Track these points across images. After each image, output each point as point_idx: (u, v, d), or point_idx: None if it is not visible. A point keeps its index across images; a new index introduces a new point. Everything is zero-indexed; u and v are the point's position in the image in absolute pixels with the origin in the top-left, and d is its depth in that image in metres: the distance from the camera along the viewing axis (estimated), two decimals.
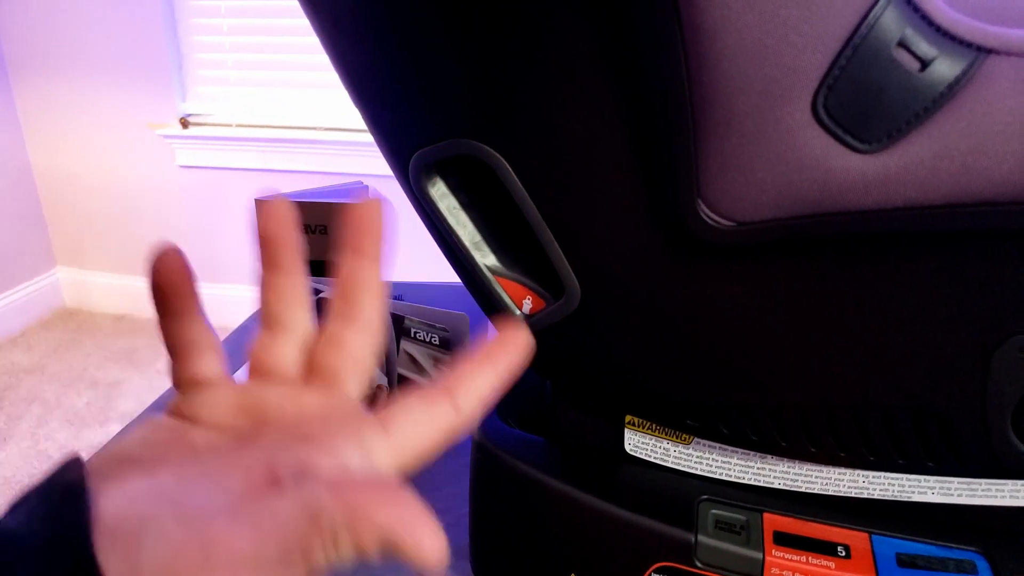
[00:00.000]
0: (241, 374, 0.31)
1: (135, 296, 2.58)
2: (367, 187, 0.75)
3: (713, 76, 0.29)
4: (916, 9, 0.28)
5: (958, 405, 0.35)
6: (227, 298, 2.32)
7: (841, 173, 0.29)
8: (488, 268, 0.41)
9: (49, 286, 2.55)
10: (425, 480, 0.60)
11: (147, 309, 2.41)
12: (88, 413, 2.06)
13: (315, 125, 2.10)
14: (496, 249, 0.41)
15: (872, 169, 0.29)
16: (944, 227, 0.30)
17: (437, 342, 0.63)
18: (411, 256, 1.47)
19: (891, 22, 0.27)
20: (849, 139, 0.29)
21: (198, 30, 2.20)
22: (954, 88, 0.28)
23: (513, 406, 0.51)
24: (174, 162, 2.35)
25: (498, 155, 0.36)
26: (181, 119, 2.31)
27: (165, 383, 2.13)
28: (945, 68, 0.28)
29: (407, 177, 0.40)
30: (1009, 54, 0.27)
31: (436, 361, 0.64)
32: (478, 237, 0.40)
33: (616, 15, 0.30)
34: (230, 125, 2.24)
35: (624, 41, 0.30)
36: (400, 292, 0.70)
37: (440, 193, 0.40)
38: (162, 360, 2.21)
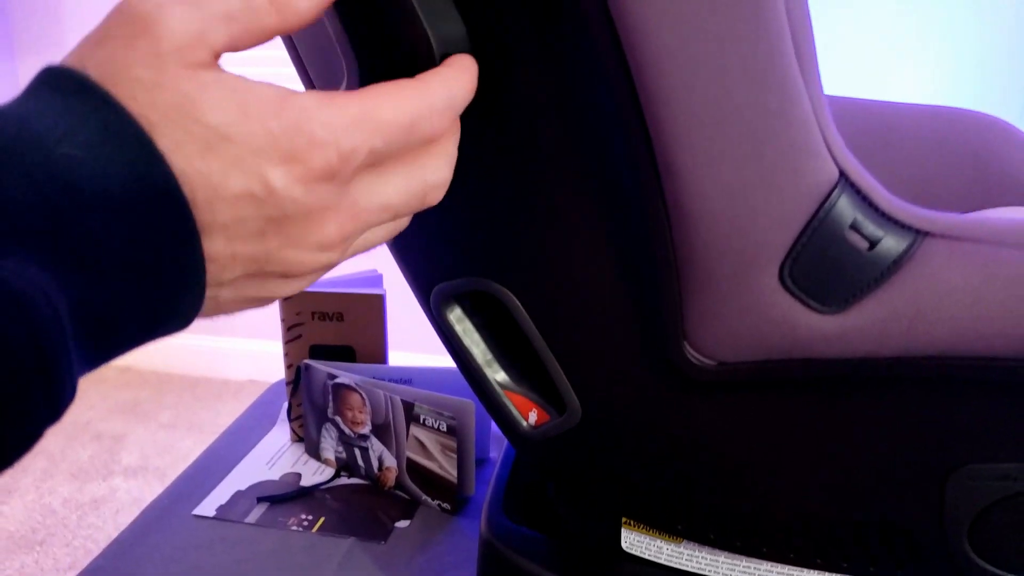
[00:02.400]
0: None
1: (140, 348, 2.61)
2: (380, 275, 0.80)
3: (694, 246, 0.34)
4: (864, 198, 0.33)
5: (920, 523, 0.39)
6: (234, 352, 2.35)
7: (805, 329, 0.34)
8: (498, 383, 0.45)
9: None
10: (433, 570, 0.64)
11: (151, 361, 2.45)
12: (91, 467, 2.08)
13: None
14: (506, 367, 0.45)
15: (832, 327, 0.34)
16: (897, 375, 0.35)
17: (445, 429, 0.67)
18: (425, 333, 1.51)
19: (844, 208, 0.32)
20: (811, 302, 0.34)
21: None
22: (898, 264, 0.33)
23: (517, 502, 0.55)
24: None
25: (508, 292, 0.41)
26: None
27: (168, 436, 2.16)
28: (890, 247, 0.33)
29: (428, 303, 0.44)
30: (943, 236, 0.33)
31: (443, 447, 0.68)
32: (490, 356, 0.45)
33: (612, 191, 0.35)
34: None
35: (619, 209, 0.35)
36: (411, 376, 0.74)
37: (457, 317, 0.44)
38: (165, 413, 2.24)
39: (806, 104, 0.31)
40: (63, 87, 0.22)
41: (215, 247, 0.24)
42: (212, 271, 0.24)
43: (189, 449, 2.13)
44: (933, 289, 0.32)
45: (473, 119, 0.32)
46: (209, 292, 0.25)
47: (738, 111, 0.30)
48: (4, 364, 0.19)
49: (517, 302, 0.41)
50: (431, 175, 0.29)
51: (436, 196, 0.30)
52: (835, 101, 0.71)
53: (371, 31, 0.32)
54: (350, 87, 0.35)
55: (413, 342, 1.68)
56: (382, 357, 0.77)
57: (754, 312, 0.34)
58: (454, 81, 0.29)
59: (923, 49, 1.46)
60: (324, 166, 0.24)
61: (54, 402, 0.22)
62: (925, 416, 0.37)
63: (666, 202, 0.33)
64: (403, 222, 0.32)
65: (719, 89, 0.30)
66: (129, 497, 1.92)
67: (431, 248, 0.42)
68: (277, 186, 0.24)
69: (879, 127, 0.69)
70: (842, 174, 0.33)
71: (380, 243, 0.31)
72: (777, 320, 0.34)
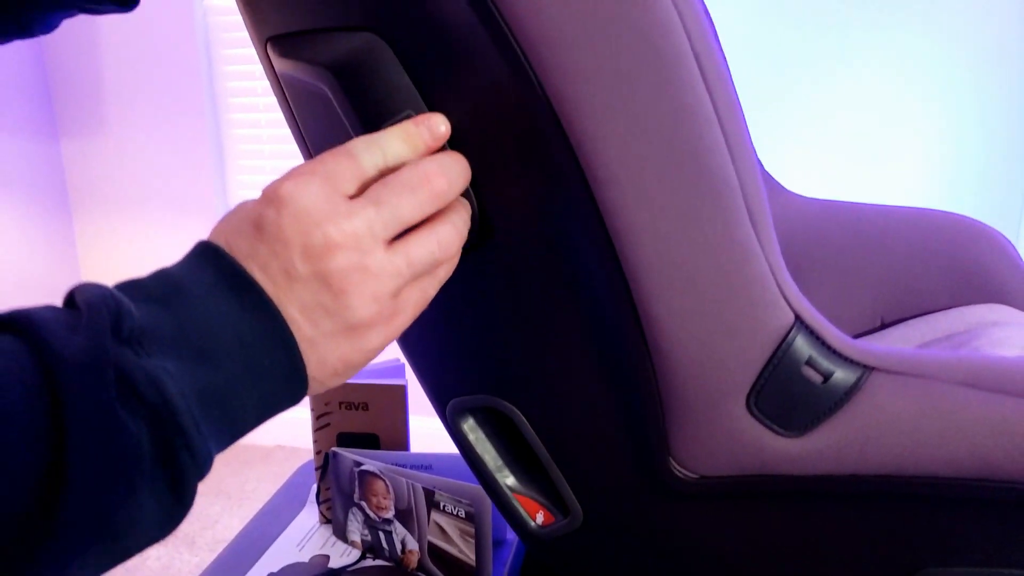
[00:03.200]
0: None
1: None
2: (403, 365, 0.86)
3: (673, 381, 0.39)
4: (817, 337, 0.38)
5: None
6: None
7: (771, 451, 0.39)
8: (508, 486, 0.50)
9: None
10: None
11: None
12: None
13: None
14: (514, 472, 0.51)
15: (794, 449, 0.39)
16: (856, 491, 0.39)
17: (463, 515, 0.72)
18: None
19: (800, 347, 0.38)
20: (775, 428, 0.39)
21: (244, 171, 2.40)
22: (849, 395, 0.38)
23: None
24: None
25: (515, 409, 0.46)
26: None
27: (197, 502, 2.20)
28: (841, 380, 0.38)
29: (444, 414, 0.50)
30: (887, 371, 0.38)
31: (462, 532, 0.72)
32: (500, 462, 0.50)
33: (602, 330, 0.40)
34: None
35: (608, 346, 0.41)
36: (431, 463, 0.79)
37: (470, 427, 0.50)
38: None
39: (761, 262, 0.37)
40: (211, 261, 0.31)
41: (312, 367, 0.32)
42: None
43: (218, 515, 2.17)
44: (878, 418, 0.37)
45: (478, 263, 0.38)
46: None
47: (702, 272, 0.36)
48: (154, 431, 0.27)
49: (523, 417, 0.46)
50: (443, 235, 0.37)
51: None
52: (833, 205, 0.77)
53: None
54: None
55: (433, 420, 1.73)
56: (404, 444, 0.83)
57: (727, 435, 0.39)
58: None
59: (924, 151, 1.51)
60: (392, 289, 0.34)
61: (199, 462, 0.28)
62: (884, 525, 0.41)
63: (647, 345, 0.38)
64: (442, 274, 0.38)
65: (686, 256, 0.36)
66: (159, 564, 1.96)
67: (447, 368, 0.48)
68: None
69: (872, 230, 0.74)
70: (797, 317, 0.38)
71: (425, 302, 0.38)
72: (747, 442, 0.39)
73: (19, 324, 0.26)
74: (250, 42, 0.36)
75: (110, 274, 2.49)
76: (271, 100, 2.20)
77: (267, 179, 2.31)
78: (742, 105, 0.45)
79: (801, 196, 0.76)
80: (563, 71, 0.33)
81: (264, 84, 2.22)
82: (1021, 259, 0.71)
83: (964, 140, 1.47)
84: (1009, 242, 0.71)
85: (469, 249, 0.39)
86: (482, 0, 0.33)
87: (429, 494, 0.74)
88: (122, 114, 2.41)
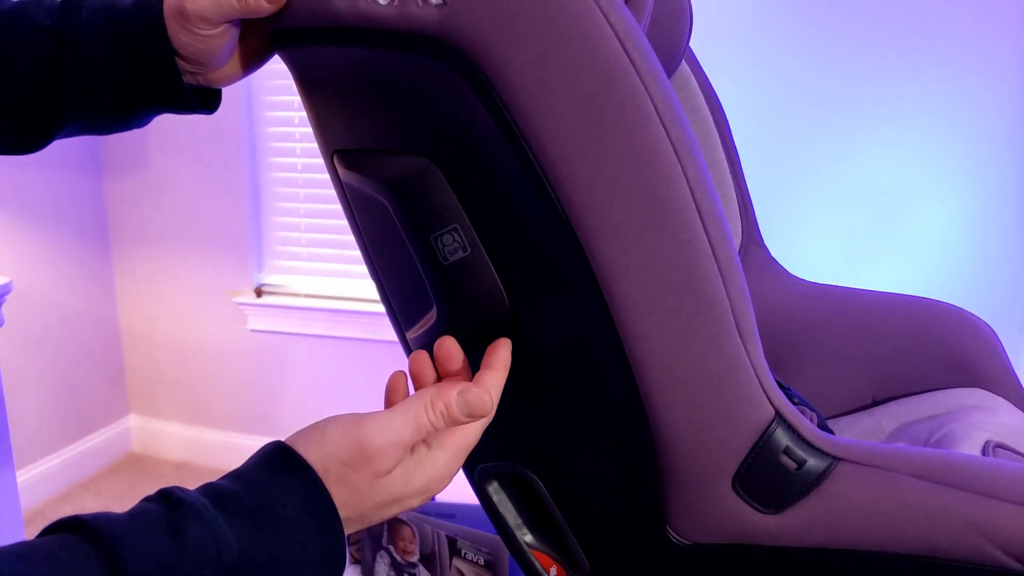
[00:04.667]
0: None
1: (197, 445, 2.77)
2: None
3: (670, 462, 0.46)
4: (794, 430, 0.45)
5: None
6: None
7: (753, 524, 0.46)
8: (526, 542, 0.57)
9: (121, 432, 2.75)
10: None
11: (206, 458, 2.60)
12: None
13: (375, 298, 2.33)
14: (532, 530, 0.57)
15: (773, 524, 0.45)
16: (826, 562, 0.46)
17: (482, 563, 0.78)
18: None
19: (779, 438, 0.45)
20: (757, 505, 0.45)
21: (278, 212, 2.51)
22: (819, 481, 0.44)
23: None
24: (246, 326, 2.60)
25: (534, 476, 0.53)
26: (256, 288, 2.57)
27: None
28: (813, 468, 0.44)
29: (472, 476, 0.57)
30: (852, 461, 0.44)
31: None
32: (519, 520, 0.57)
33: (613, 415, 0.48)
34: (299, 295, 2.49)
35: (617, 428, 0.48)
36: (454, 512, 0.86)
37: (494, 489, 0.57)
38: None
39: (747, 366, 0.44)
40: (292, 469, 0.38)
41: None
42: None
43: None
44: (842, 501, 0.44)
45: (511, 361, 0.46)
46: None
47: (696, 374, 0.43)
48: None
49: (540, 484, 0.53)
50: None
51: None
52: (832, 289, 0.84)
53: (462, 290, 0.47)
54: (437, 322, 0.49)
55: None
56: None
57: (715, 509, 0.46)
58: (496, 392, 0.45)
59: (932, 229, 1.58)
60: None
61: None
62: None
63: (650, 431, 0.46)
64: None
65: (684, 360, 0.43)
66: None
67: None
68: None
69: (866, 314, 0.81)
70: (777, 413, 0.45)
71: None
72: (732, 516, 0.46)
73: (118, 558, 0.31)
74: (291, 90, 0.43)
75: (144, 307, 2.60)
76: (307, 146, 2.31)
77: (301, 222, 2.42)
78: (750, 193, 0.52)
79: (804, 281, 0.83)
80: (588, 210, 0.41)
81: (301, 131, 2.33)
82: (1003, 347, 0.77)
83: (974, 218, 1.53)
84: (992, 331, 0.78)
85: None
86: (519, 145, 0.41)
87: (452, 542, 0.80)
88: (164, 156, 2.54)
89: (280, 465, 0.38)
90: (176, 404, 2.74)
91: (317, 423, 0.41)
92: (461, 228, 0.46)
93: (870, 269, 1.58)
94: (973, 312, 0.79)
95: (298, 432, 0.40)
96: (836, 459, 0.44)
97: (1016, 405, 0.72)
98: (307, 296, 2.50)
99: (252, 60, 0.51)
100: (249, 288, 2.60)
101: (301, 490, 0.37)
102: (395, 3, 0.42)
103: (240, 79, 0.51)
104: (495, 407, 0.43)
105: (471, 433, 0.43)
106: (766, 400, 0.45)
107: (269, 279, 2.57)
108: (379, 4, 0.42)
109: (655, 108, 0.40)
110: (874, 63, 1.54)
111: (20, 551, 0.30)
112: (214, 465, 2.59)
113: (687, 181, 0.41)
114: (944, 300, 1.35)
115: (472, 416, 0.42)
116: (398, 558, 0.87)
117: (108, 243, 2.60)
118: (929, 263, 1.55)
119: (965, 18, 1.45)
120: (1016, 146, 1.47)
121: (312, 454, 0.39)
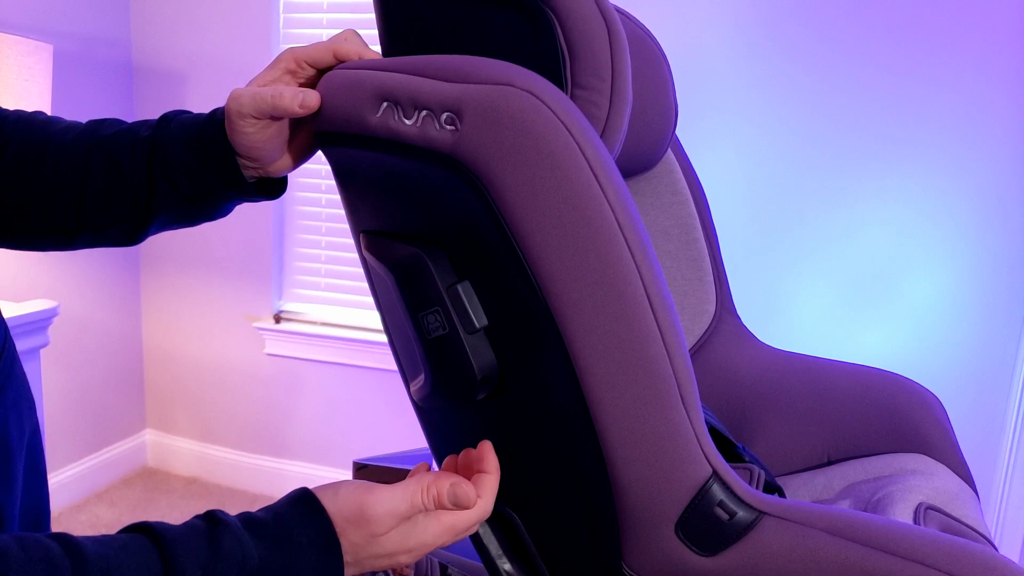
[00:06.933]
0: None
1: (208, 462, 2.86)
2: (431, 458, 1.02)
3: (625, 508, 0.55)
4: (727, 486, 0.54)
5: None
6: (290, 473, 2.57)
7: (691, 564, 0.55)
8: (505, 571, 0.66)
9: (137, 446, 2.86)
10: None
11: (216, 475, 2.69)
12: None
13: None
14: (511, 559, 0.66)
15: (710, 564, 0.54)
16: None
17: None
18: None
19: (714, 493, 0.54)
20: (695, 549, 0.54)
21: (300, 244, 2.63)
22: (747, 531, 0.53)
23: None
24: (263, 350, 2.71)
25: (514, 514, 0.62)
26: (275, 314, 2.68)
27: None
28: (742, 519, 0.53)
29: None
30: (774, 516, 0.53)
31: None
32: (500, 551, 0.66)
33: (578, 466, 0.57)
34: (316, 323, 2.60)
35: (582, 479, 0.57)
36: None
37: (480, 524, 0.66)
38: None
39: (689, 431, 0.53)
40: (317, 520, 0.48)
41: None
42: None
43: None
44: (764, 550, 0.53)
45: (496, 407, 0.55)
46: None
47: (646, 436, 0.53)
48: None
49: (519, 520, 0.62)
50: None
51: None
52: (795, 357, 0.93)
53: (442, 362, 0.57)
54: (426, 382, 0.59)
55: None
56: None
57: (660, 551, 0.55)
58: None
59: (918, 298, 1.66)
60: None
61: None
62: None
63: (609, 481, 0.55)
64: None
65: (637, 424, 0.52)
66: None
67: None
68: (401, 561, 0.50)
69: (825, 381, 0.90)
70: (713, 471, 0.54)
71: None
72: (674, 557, 0.55)
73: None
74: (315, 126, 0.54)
75: (168, 328, 2.71)
76: (330, 182, 2.43)
77: (321, 253, 2.54)
78: (724, 262, 0.61)
79: (770, 347, 0.92)
80: (561, 297, 0.51)
81: (325, 168, 2.46)
82: (947, 417, 0.86)
83: (962, 287, 1.60)
84: (938, 402, 0.86)
85: (487, 399, 0.56)
86: (510, 243, 0.51)
87: (443, 568, 0.89)
88: None
89: (302, 504, 0.48)
90: (191, 422, 2.85)
91: (336, 482, 0.51)
92: (442, 311, 0.56)
93: (860, 333, 1.66)
94: (966, 376, 0.87)
95: (321, 485, 0.51)
96: (762, 513, 0.53)
97: (955, 471, 0.80)
98: (323, 324, 2.62)
99: (302, 154, 0.62)
100: (268, 314, 2.71)
101: (314, 525, 0.47)
102: (418, 125, 0.52)
103: (293, 169, 0.62)
104: (491, 507, 0.54)
105: (462, 521, 0.53)
106: (704, 460, 0.54)
107: (288, 306, 2.68)
108: (405, 124, 0.53)
109: (618, 223, 0.50)
110: (866, 134, 1.63)
111: (104, 540, 0.42)
112: (222, 482, 2.68)
113: (641, 279, 0.51)
114: (934, 364, 1.42)
115: (458, 506, 0.52)
116: None
117: (138, 267, 2.73)
118: (919, 328, 1.62)
119: (958, 83, 1.52)
120: (1008, 213, 1.54)
121: (327, 504, 0.49)
